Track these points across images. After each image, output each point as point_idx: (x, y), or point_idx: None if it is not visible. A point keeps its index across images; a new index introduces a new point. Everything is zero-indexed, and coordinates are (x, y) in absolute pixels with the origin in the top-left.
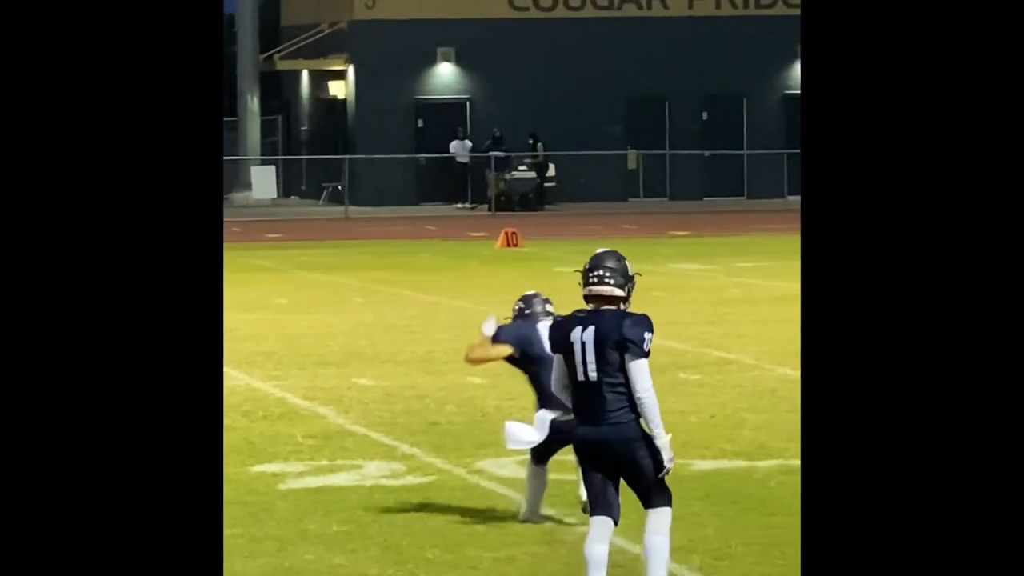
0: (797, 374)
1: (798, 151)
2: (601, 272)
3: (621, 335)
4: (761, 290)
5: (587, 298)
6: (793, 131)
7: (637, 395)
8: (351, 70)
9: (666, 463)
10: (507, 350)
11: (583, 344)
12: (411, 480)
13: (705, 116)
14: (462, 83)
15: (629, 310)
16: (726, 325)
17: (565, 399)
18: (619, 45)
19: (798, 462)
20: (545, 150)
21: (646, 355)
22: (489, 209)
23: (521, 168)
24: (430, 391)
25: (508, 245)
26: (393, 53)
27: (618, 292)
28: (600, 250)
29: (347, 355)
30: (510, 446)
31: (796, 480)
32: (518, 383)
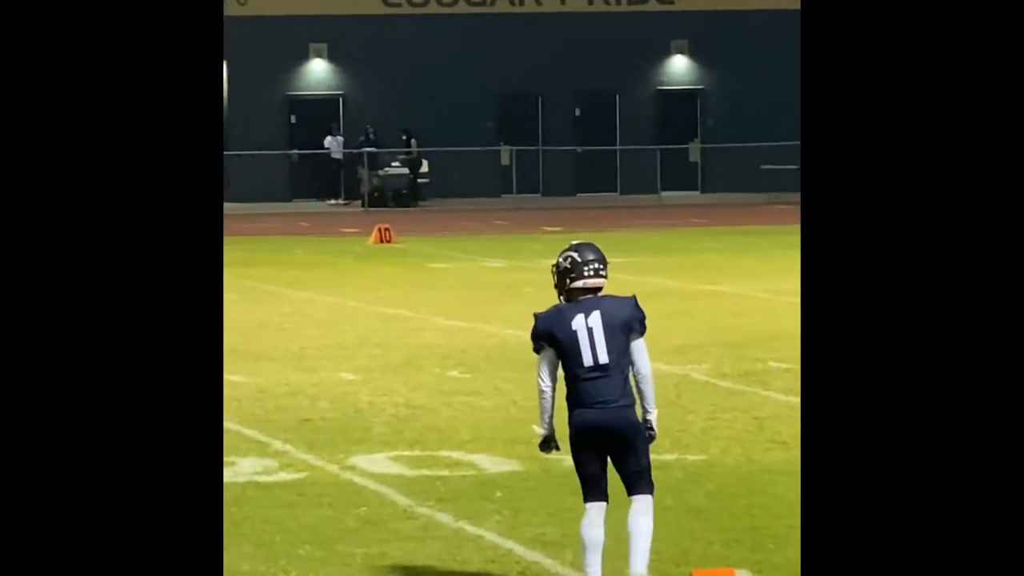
0: (669, 368)
1: (671, 147)
2: (597, 265)
3: (630, 315)
4: (633, 286)
5: (577, 290)
6: (666, 127)
7: (643, 373)
8: (224, 66)
9: (654, 434)
10: None
11: (590, 329)
12: (284, 477)
13: (578, 112)
14: (335, 79)
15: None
16: None
17: (551, 397)
18: (492, 41)
19: (670, 457)
20: (418, 146)
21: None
22: (363, 205)
23: (394, 164)
24: (303, 388)
25: (381, 241)
26: (266, 49)
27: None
28: (578, 243)
29: None
30: None
31: (667, 475)
32: (390, 378)
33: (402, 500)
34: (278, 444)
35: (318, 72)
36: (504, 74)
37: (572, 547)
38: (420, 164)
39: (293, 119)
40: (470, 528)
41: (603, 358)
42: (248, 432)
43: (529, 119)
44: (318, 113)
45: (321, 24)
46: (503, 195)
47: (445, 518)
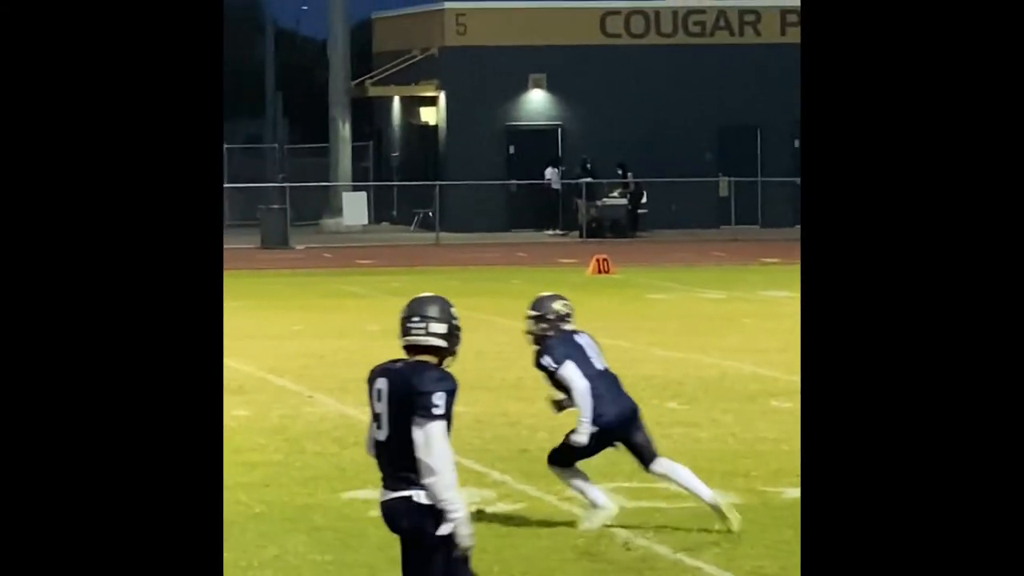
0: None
1: None
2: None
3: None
4: None
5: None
6: None
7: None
8: (442, 96)
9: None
10: None
11: (589, 344)
12: (501, 507)
13: (797, 143)
14: (554, 109)
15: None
16: None
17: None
18: (711, 71)
19: None
20: (635, 177)
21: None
22: (580, 236)
23: (613, 195)
24: (521, 418)
25: (599, 272)
26: (484, 79)
27: None
28: (555, 296)
29: None
30: None
31: None
32: None
33: (620, 531)
34: (496, 474)
35: (537, 102)
36: (724, 105)
37: None
38: (642, 195)
39: (511, 149)
40: (688, 560)
41: (600, 364)
42: (466, 462)
43: (748, 150)
44: (536, 143)
45: (540, 54)
46: (721, 226)
47: (663, 550)
